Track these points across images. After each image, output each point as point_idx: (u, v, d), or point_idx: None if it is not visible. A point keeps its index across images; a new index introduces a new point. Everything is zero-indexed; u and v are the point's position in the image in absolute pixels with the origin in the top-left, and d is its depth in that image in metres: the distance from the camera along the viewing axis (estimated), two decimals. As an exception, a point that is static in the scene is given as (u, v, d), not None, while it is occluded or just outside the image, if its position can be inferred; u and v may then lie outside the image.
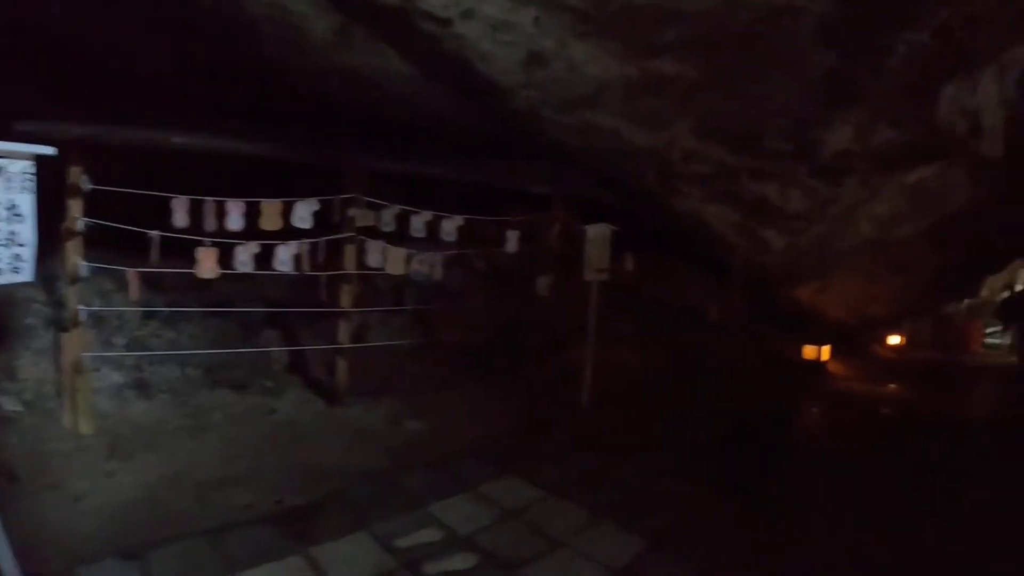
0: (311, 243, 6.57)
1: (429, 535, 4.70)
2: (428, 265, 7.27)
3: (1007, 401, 11.76)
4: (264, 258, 6.37)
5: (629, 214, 8.89)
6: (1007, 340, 17.30)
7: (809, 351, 10.76)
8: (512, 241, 7.96)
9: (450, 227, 7.36)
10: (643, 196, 8.67)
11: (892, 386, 11.12)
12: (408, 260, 7.11)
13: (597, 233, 7.51)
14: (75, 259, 5.72)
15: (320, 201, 6.58)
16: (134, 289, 5.96)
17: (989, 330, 20.32)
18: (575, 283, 7.80)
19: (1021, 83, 6.92)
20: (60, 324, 6.07)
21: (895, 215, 9.29)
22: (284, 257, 6.45)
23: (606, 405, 7.57)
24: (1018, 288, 18.39)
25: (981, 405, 10.95)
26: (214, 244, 6.11)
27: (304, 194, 6.56)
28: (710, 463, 6.25)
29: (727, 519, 5.14)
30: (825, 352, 10.81)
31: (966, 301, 18.99)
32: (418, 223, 7.15)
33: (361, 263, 6.98)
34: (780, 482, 5.95)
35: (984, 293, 19.03)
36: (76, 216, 5.66)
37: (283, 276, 6.64)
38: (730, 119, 7.00)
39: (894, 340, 15.08)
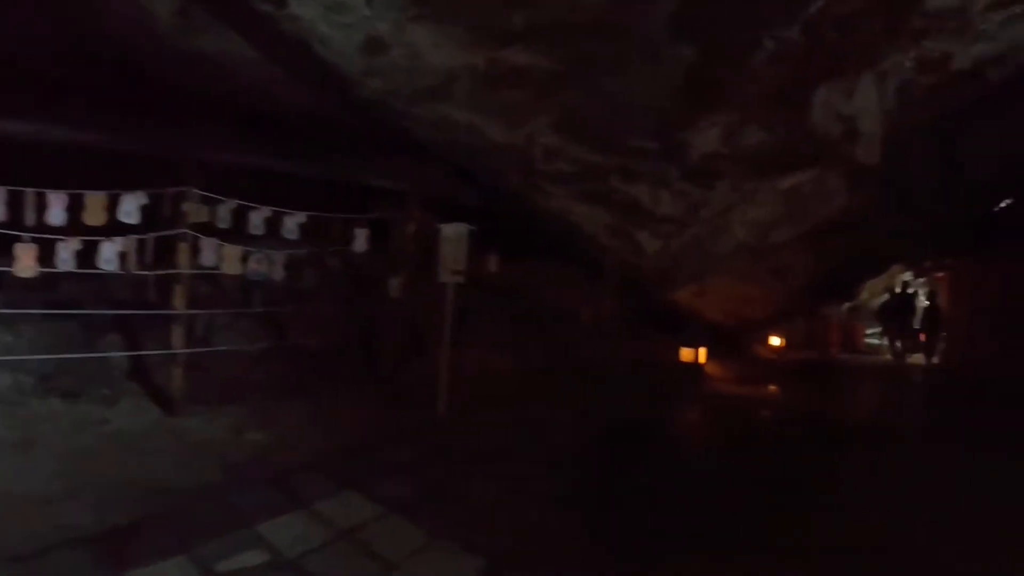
0: (138, 240, 6.04)
1: (253, 558, 4.26)
2: (267, 264, 6.80)
3: (889, 401, 12.00)
4: (93, 256, 5.87)
5: (497, 213, 8.61)
6: (885, 341, 17.81)
7: (686, 353, 10.69)
8: (361, 239, 7.54)
9: (291, 224, 6.90)
10: (509, 194, 8.41)
11: (771, 387, 11.17)
12: (245, 259, 6.64)
13: (453, 232, 7.17)
14: None
15: (150, 195, 6.07)
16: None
17: (870, 331, 21.01)
18: (440, 285, 7.44)
19: (901, 92, 6.90)
20: None
21: (771, 220, 9.28)
22: (108, 255, 5.91)
23: (466, 413, 7.21)
24: (896, 291, 18.97)
25: (861, 407, 11.09)
26: (34, 240, 5.59)
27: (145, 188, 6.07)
28: (567, 476, 5.95)
29: (576, 538, 4.83)
30: (702, 354, 10.75)
31: (847, 303, 19.51)
32: (257, 219, 6.68)
33: (195, 262, 6.45)
34: (641, 496, 5.63)
35: (864, 295, 19.59)
36: None
37: (137, 276, 6.30)
38: (591, 116, 6.77)
39: (775, 341, 15.27)
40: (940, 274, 19.65)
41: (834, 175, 8.47)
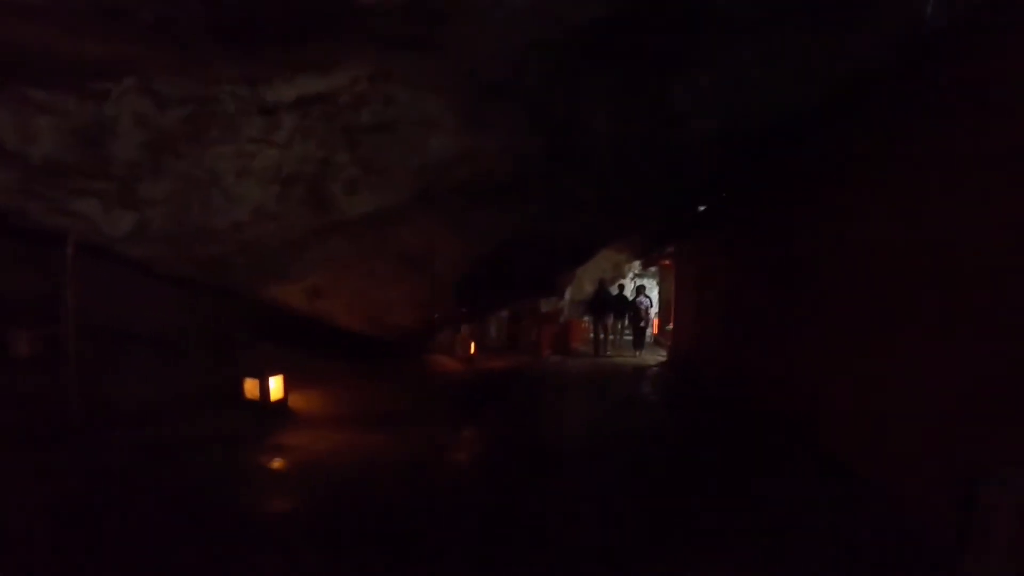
0: None
1: None
2: None
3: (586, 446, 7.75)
4: None
5: None
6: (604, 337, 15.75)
7: (251, 386, 6.94)
8: None
9: None
10: None
11: (386, 431, 7.45)
12: None
13: None
14: None
15: None
16: None
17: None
18: None
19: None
20: None
21: (316, 171, 5.85)
22: None
23: None
24: (621, 283, 17.05)
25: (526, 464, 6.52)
26: None
27: None
28: None
29: None
30: (277, 386, 7.03)
31: (567, 297, 17.21)
32: None
33: None
34: None
35: (587, 287, 17.36)
36: None
37: None
38: None
39: (466, 347, 12.39)
40: (667, 262, 17.53)
41: (411, 89, 5.25)
